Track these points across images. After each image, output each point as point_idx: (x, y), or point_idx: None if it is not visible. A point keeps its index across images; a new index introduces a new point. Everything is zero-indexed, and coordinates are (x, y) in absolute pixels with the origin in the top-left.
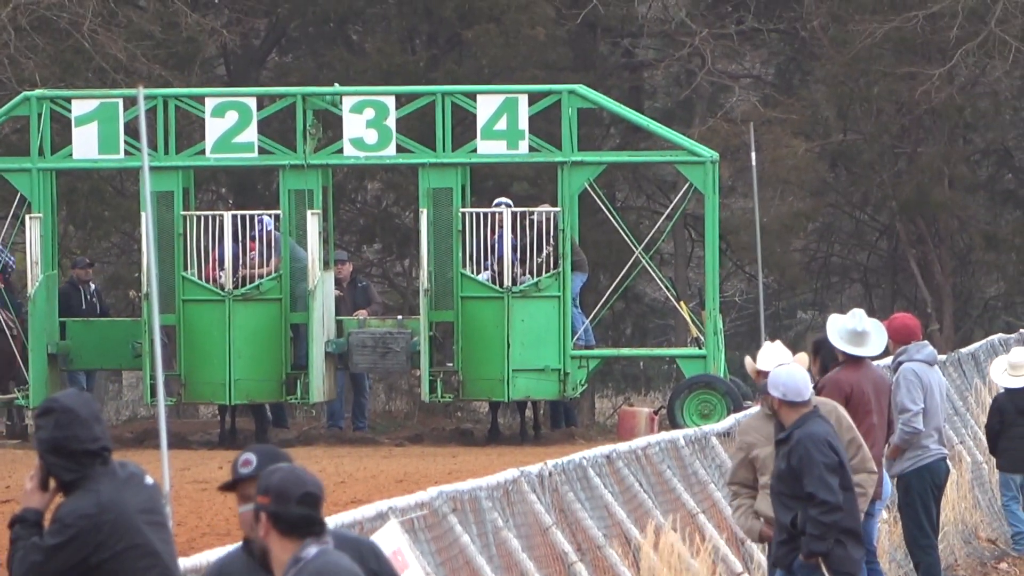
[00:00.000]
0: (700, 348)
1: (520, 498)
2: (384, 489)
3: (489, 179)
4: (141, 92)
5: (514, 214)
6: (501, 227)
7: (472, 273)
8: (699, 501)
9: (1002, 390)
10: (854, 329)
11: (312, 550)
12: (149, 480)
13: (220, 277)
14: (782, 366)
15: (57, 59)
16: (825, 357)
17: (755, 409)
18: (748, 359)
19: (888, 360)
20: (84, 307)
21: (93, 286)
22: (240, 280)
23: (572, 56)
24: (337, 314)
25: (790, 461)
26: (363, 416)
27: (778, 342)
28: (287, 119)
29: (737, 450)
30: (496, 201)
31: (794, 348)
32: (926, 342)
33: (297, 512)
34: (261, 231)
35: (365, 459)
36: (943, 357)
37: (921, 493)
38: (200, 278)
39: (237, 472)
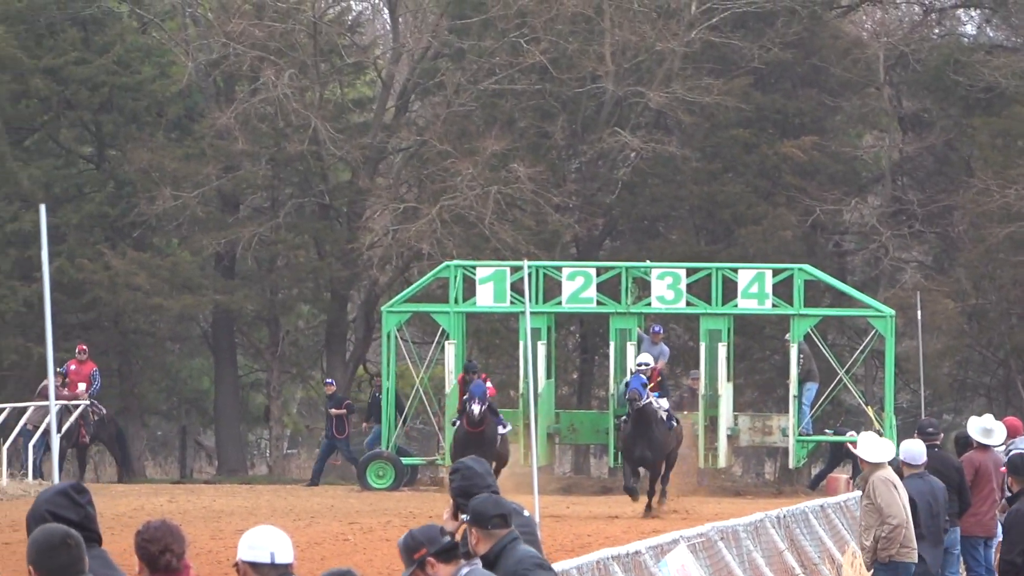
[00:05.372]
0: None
1: (764, 531)
2: (675, 524)
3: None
4: (525, 264)
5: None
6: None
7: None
8: None
9: None
10: (985, 427)
11: (464, 570)
12: (526, 513)
13: None
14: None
15: (467, 241)
16: (961, 444)
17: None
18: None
19: (1003, 447)
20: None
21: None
22: None
23: (803, 246)
24: None
25: None
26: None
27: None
28: (615, 282)
29: None
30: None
31: (945, 442)
32: None
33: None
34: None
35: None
36: None
37: None
38: None
39: None
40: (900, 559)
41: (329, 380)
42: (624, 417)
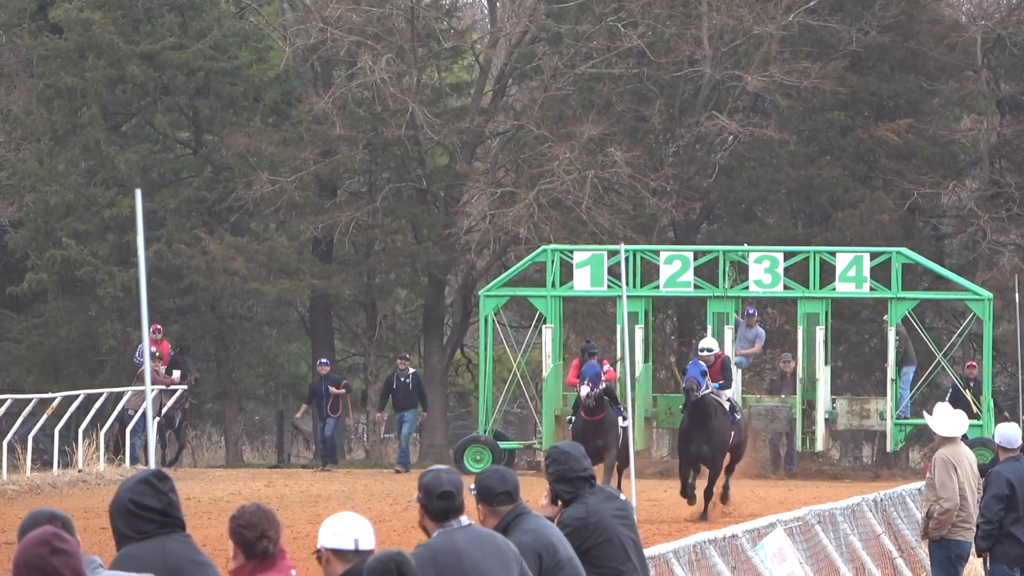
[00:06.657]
0: (979, 420)
1: (862, 514)
2: (771, 508)
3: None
4: (622, 248)
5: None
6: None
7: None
8: None
9: None
10: None
11: (436, 531)
12: (623, 497)
13: None
14: (1009, 423)
15: (564, 225)
16: None
17: None
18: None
19: None
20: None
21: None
22: None
23: (900, 230)
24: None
25: None
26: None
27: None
28: (713, 266)
29: None
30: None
31: None
32: None
33: (438, 505)
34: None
35: (757, 489)
36: None
37: None
38: None
39: None
40: (953, 536)
41: (324, 360)
42: (680, 408)
